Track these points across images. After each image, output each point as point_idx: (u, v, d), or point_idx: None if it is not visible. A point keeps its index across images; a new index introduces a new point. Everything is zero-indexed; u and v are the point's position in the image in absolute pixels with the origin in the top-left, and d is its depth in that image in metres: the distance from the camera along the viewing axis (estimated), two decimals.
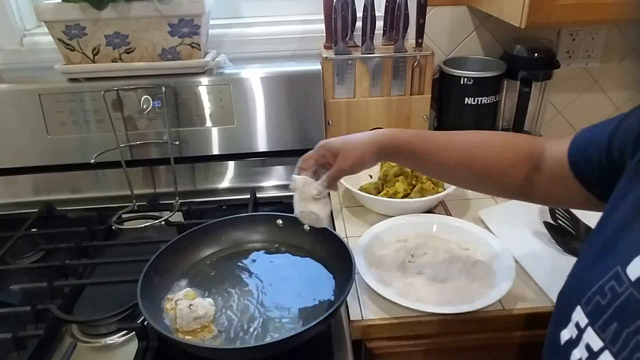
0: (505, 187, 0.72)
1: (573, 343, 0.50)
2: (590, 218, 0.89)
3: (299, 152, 1.12)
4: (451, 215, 1.01)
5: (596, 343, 0.46)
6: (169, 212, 1.05)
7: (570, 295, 0.53)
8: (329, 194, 0.76)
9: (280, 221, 0.89)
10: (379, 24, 1.12)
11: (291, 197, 1.03)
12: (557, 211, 0.94)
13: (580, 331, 0.49)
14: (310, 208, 0.73)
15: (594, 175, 0.60)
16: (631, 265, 0.45)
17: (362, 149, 0.70)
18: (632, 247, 0.47)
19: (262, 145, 1.13)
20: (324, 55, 1.10)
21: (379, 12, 1.14)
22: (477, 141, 0.71)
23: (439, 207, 1.04)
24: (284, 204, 1.07)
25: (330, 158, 0.73)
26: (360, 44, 1.11)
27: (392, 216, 0.97)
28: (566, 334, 0.52)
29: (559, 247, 0.89)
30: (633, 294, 0.44)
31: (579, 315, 0.50)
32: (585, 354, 0.48)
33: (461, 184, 0.79)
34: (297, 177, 0.72)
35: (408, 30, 1.10)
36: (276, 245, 0.88)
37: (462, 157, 0.70)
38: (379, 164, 1.13)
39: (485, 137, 0.72)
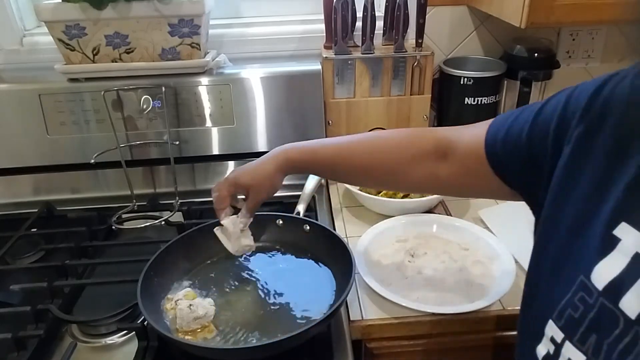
0: (412, 185, 0.73)
1: (551, 358, 0.49)
2: None
3: None
4: (451, 215, 1.01)
5: (578, 357, 0.45)
6: (169, 212, 1.05)
7: (538, 309, 0.51)
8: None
9: (280, 221, 0.89)
10: (379, 24, 1.12)
11: (291, 197, 1.05)
12: None
13: (558, 346, 0.47)
14: (243, 243, 0.79)
15: (514, 168, 0.58)
16: (594, 274, 0.44)
17: (270, 178, 0.74)
18: (590, 252, 0.45)
19: (262, 145, 1.13)
20: (324, 55, 1.10)
21: (379, 12, 1.14)
22: (372, 146, 0.72)
23: (439, 207, 1.04)
24: (284, 204, 1.07)
25: (243, 192, 0.77)
26: (360, 44, 1.11)
27: (392, 216, 0.97)
28: (542, 349, 0.50)
29: None
30: (604, 304, 0.43)
31: (552, 330, 0.48)
32: None
33: (370, 186, 0.81)
34: (225, 223, 0.77)
35: (408, 30, 1.10)
36: (276, 245, 0.88)
37: (361, 165, 0.71)
38: None
39: (379, 140, 0.73)
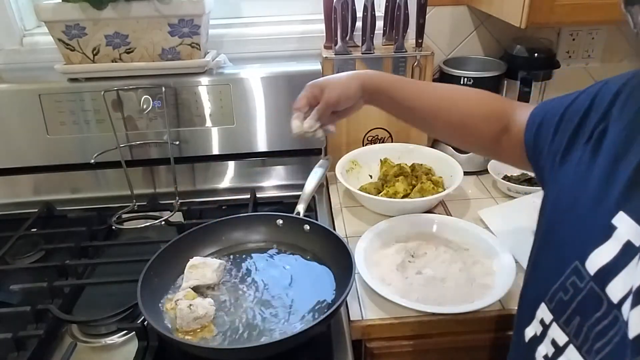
0: (475, 142, 0.75)
1: (537, 339, 0.51)
2: None
3: (299, 152, 1.14)
4: (451, 215, 1.01)
5: (561, 338, 0.48)
6: (169, 212, 1.05)
7: (533, 293, 0.54)
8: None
9: (280, 221, 0.89)
10: (379, 24, 1.12)
11: (291, 197, 1.05)
12: None
13: (545, 327, 0.50)
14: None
15: (541, 153, 0.61)
16: (589, 260, 0.46)
17: (346, 81, 0.74)
18: (588, 240, 0.47)
19: (262, 145, 1.13)
20: (324, 55, 1.10)
21: (379, 12, 1.14)
22: (453, 93, 0.75)
23: (439, 207, 1.04)
24: (284, 204, 1.07)
25: (319, 95, 0.75)
26: (360, 44, 1.11)
27: (392, 216, 0.97)
28: (530, 331, 0.53)
29: None
30: (593, 288, 0.45)
31: (543, 312, 0.51)
32: (552, 350, 0.49)
33: (435, 133, 0.83)
34: (294, 119, 0.76)
35: (408, 30, 1.10)
36: (276, 246, 0.88)
37: (437, 107, 0.73)
38: (379, 163, 1.13)
39: (461, 91, 0.77)
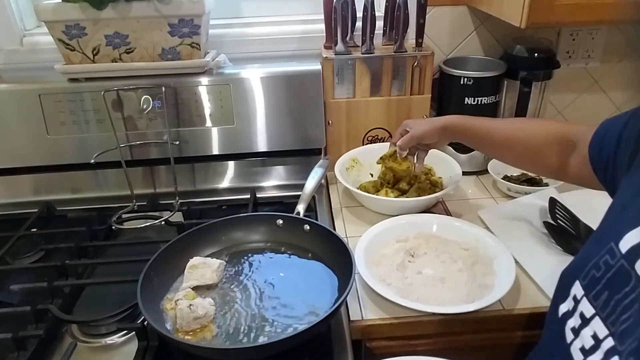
0: (544, 167, 0.84)
1: (569, 314, 0.55)
2: (591, 218, 0.89)
3: (299, 152, 1.14)
4: (451, 215, 1.01)
5: (588, 310, 0.52)
6: (169, 212, 1.05)
7: (570, 273, 0.58)
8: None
9: (280, 221, 0.89)
10: (379, 24, 1.12)
11: (291, 197, 1.05)
12: (557, 211, 0.94)
13: (576, 302, 0.54)
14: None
15: (604, 168, 0.67)
16: (623, 240, 0.51)
17: (431, 122, 0.93)
18: (625, 224, 0.52)
19: (262, 145, 1.13)
20: (324, 55, 1.10)
21: (379, 12, 1.14)
22: (520, 127, 0.87)
23: (439, 207, 1.04)
24: (284, 204, 1.08)
25: (408, 128, 0.96)
26: (360, 44, 1.11)
27: (392, 216, 0.97)
28: (564, 307, 0.57)
29: (559, 247, 0.89)
30: (623, 265, 0.50)
31: (576, 289, 0.55)
32: (579, 322, 0.53)
33: (509, 162, 0.96)
34: (390, 146, 1.02)
35: (408, 30, 1.10)
36: (276, 246, 0.88)
37: (506, 141, 0.86)
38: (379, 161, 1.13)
39: (526, 123, 0.90)
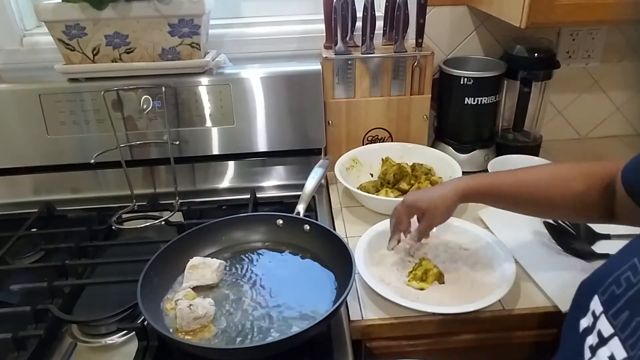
0: (588, 215, 0.75)
1: (589, 330, 0.53)
2: None
3: (299, 152, 1.14)
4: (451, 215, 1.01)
5: (607, 329, 0.49)
6: (169, 212, 1.05)
7: (590, 285, 0.56)
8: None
9: (280, 221, 0.89)
10: (379, 24, 1.12)
11: (291, 197, 1.05)
12: None
13: (595, 319, 0.52)
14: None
15: None
16: None
17: (446, 204, 0.77)
18: None
19: (262, 145, 1.13)
20: (324, 55, 1.10)
21: (379, 12, 1.14)
22: (551, 178, 0.73)
23: None
24: (284, 204, 1.07)
25: (418, 214, 0.80)
26: (360, 44, 1.11)
27: None
28: (584, 323, 0.54)
29: (559, 247, 0.89)
30: None
31: (595, 304, 0.52)
32: (596, 340, 0.50)
33: (546, 217, 0.82)
34: (394, 239, 0.84)
35: (408, 30, 1.10)
36: (276, 246, 0.88)
37: (540, 197, 0.73)
38: (380, 162, 1.13)
39: (557, 172, 0.75)
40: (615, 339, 0.48)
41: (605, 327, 0.50)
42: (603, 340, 0.49)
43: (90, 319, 0.76)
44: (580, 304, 0.56)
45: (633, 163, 0.64)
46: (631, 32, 1.23)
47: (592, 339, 0.51)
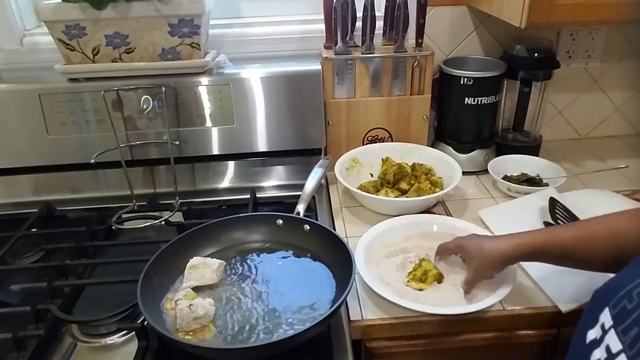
0: None
1: (596, 343, 0.52)
2: None
3: (299, 152, 1.14)
4: (451, 215, 1.01)
5: (615, 345, 0.48)
6: (169, 212, 1.05)
7: (602, 295, 0.54)
8: None
9: (280, 221, 0.89)
10: (379, 24, 1.12)
11: (291, 197, 1.05)
12: (557, 211, 0.94)
13: (604, 332, 0.51)
14: None
15: None
16: None
17: (493, 260, 0.74)
18: None
19: (262, 145, 1.13)
20: (324, 55, 1.10)
21: (379, 12, 1.14)
22: (611, 232, 0.68)
23: (439, 207, 1.04)
24: (284, 204, 1.08)
25: (465, 256, 0.80)
26: (360, 44, 1.11)
27: (392, 216, 0.97)
28: (592, 334, 0.53)
29: None
30: None
31: (605, 317, 0.51)
32: (604, 355, 0.49)
33: (606, 271, 0.75)
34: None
35: (408, 30, 1.10)
36: (276, 246, 0.88)
37: (601, 252, 0.69)
38: (380, 162, 1.13)
39: (617, 225, 0.69)
40: (623, 356, 0.47)
41: (614, 342, 0.49)
42: (611, 356, 0.48)
43: (90, 319, 0.76)
44: (590, 315, 0.55)
45: None
46: (631, 32, 1.23)
47: (599, 353, 0.50)
